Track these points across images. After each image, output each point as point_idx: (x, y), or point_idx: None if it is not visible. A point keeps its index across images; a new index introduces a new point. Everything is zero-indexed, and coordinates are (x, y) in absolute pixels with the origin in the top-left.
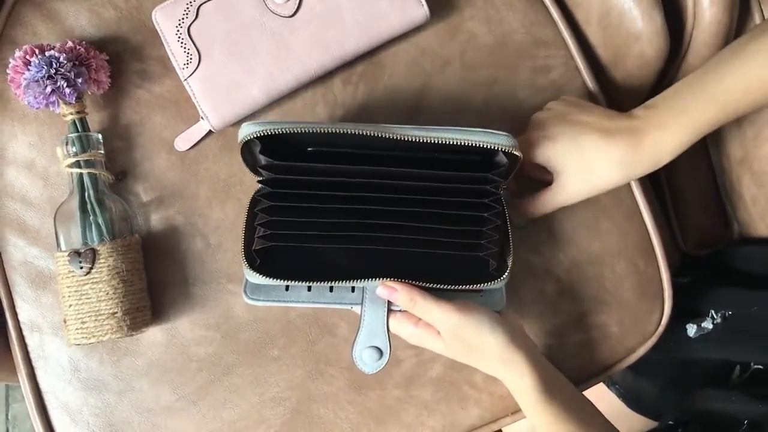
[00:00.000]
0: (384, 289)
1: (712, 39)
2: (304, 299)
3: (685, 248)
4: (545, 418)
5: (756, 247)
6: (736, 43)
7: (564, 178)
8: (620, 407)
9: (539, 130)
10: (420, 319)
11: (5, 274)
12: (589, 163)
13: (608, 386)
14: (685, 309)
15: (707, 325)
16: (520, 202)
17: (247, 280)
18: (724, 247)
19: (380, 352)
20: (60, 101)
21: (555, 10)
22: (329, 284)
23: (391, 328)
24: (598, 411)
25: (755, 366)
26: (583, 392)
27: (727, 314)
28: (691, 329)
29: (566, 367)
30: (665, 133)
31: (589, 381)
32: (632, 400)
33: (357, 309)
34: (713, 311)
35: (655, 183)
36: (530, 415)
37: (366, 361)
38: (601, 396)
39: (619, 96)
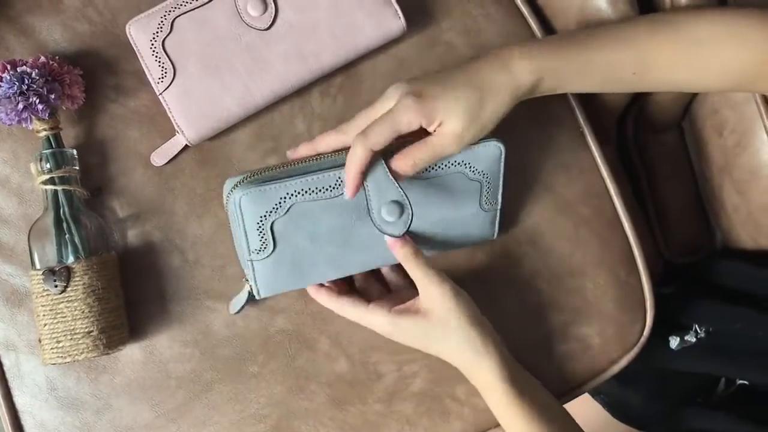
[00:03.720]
0: (394, 240)
1: None
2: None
3: (667, 255)
4: (513, 413)
5: (737, 263)
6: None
7: (450, 127)
8: (605, 417)
9: (413, 100)
10: (391, 307)
11: None
12: (472, 104)
13: (593, 396)
14: (667, 321)
15: (690, 338)
16: (394, 161)
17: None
18: (706, 257)
19: (399, 205)
20: (33, 117)
21: (533, 20)
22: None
23: (364, 323)
24: (566, 411)
25: (740, 381)
26: (569, 402)
27: (710, 329)
28: (674, 341)
29: (548, 379)
30: (527, 58)
31: (571, 393)
32: (617, 409)
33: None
34: (697, 326)
35: (637, 190)
36: (498, 410)
37: (389, 219)
38: (586, 405)
39: (597, 105)
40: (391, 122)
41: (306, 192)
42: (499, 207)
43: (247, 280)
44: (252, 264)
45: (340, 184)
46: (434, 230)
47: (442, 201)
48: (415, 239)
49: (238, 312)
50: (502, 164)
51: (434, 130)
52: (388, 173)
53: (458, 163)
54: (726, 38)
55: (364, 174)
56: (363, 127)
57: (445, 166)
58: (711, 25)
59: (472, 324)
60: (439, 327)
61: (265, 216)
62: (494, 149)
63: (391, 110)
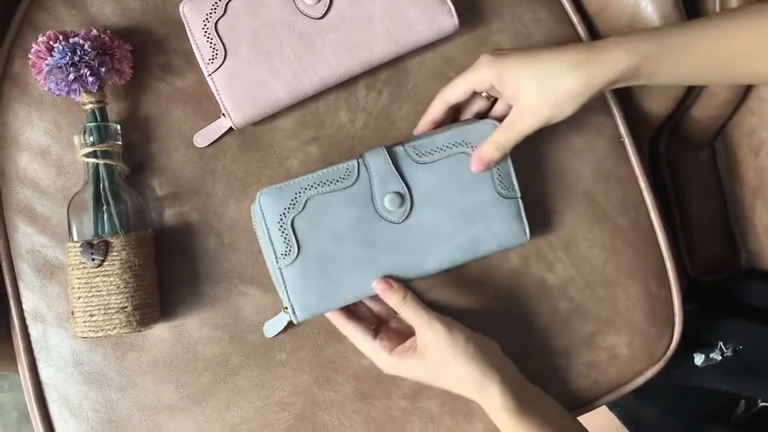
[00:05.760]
0: (380, 283)
1: None
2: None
3: (691, 273)
4: None
5: (763, 286)
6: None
7: (523, 97)
8: (621, 430)
9: (490, 56)
10: (394, 346)
11: (12, 262)
12: (547, 74)
13: (610, 408)
14: (692, 337)
15: (716, 356)
16: (479, 149)
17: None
18: (730, 276)
19: (400, 195)
20: (81, 90)
21: (582, 29)
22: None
23: (369, 357)
24: (580, 425)
25: (762, 404)
26: (587, 413)
27: (737, 348)
28: (699, 358)
29: (574, 388)
30: (624, 44)
31: (595, 402)
32: (633, 423)
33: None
34: (722, 343)
35: (665, 206)
36: None
37: (390, 209)
38: (602, 418)
39: (638, 117)
40: (464, 76)
41: (318, 185)
42: (518, 195)
43: (285, 308)
44: (282, 274)
45: (348, 175)
46: (455, 224)
47: (453, 185)
48: (439, 238)
49: (274, 336)
50: None
51: (509, 104)
52: (390, 163)
53: (456, 143)
54: None
55: (437, 124)
56: None
57: (445, 147)
58: None
59: (469, 358)
60: (437, 365)
61: (284, 213)
62: (490, 126)
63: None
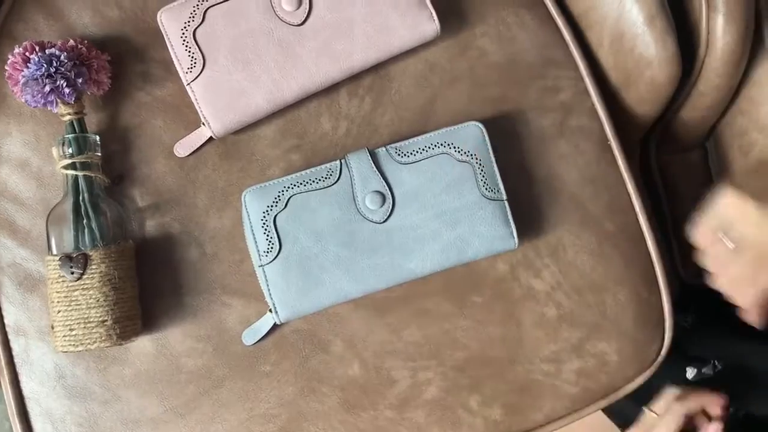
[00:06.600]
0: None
1: (723, 67)
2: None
3: (684, 276)
4: None
5: None
6: None
7: None
8: (614, 429)
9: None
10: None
11: None
12: None
13: (606, 414)
14: (685, 351)
15: (708, 371)
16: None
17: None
18: None
19: (381, 195)
20: (58, 101)
21: (567, 32)
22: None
23: None
24: None
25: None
26: (580, 419)
27: (730, 364)
28: (690, 372)
29: (563, 395)
30: None
31: (586, 409)
32: (628, 424)
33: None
34: (715, 361)
35: (657, 209)
36: None
37: (372, 208)
38: (598, 423)
39: (625, 120)
40: None
41: (300, 184)
42: (504, 197)
43: (270, 309)
44: (264, 272)
45: (330, 175)
46: (438, 225)
47: (435, 186)
48: (422, 239)
49: (255, 343)
50: (488, 145)
51: None
52: (371, 163)
53: (440, 144)
54: None
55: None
56: None
57: (427, 148)
58: None
59: None
60: None
61: (267, 211)
62: (474, 129)
63: None
